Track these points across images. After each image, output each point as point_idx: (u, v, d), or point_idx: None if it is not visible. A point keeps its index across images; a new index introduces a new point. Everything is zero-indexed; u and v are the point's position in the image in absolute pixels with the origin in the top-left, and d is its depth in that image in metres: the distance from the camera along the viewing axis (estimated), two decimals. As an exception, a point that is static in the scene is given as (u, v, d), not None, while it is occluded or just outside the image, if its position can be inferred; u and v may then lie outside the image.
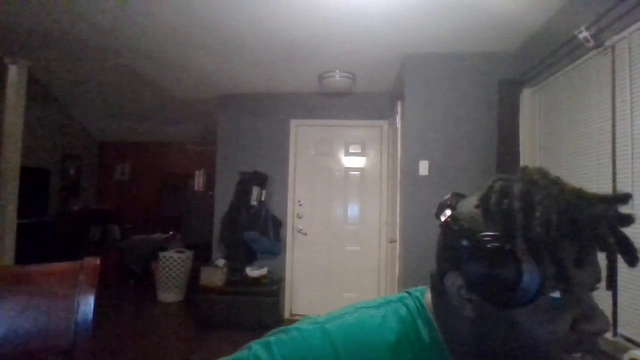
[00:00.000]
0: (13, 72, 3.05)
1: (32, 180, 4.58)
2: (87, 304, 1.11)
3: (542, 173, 0.53)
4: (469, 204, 0.56)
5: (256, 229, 4.14)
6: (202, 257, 5.02)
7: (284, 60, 3.45)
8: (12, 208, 3.00)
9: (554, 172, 0.55)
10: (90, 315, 1.11)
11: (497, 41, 2.92)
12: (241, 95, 4.47)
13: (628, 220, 0.50)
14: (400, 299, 0.62)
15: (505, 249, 0.47)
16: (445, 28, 2.74)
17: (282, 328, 0.56)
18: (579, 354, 0.49)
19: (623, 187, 1.80)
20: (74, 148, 5.98)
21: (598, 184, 1.97)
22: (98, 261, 1.16)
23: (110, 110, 5.54)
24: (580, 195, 0.51)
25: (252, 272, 4.12)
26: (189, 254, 4.98)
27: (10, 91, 3.03)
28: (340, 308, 0.60)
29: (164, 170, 6.87)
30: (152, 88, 4.38)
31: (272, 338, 0.56)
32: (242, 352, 0.56)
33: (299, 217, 4.40)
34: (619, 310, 1.82)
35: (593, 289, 0.51)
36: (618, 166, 1.84)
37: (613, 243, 0.49)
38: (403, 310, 0.59)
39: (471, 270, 0.50)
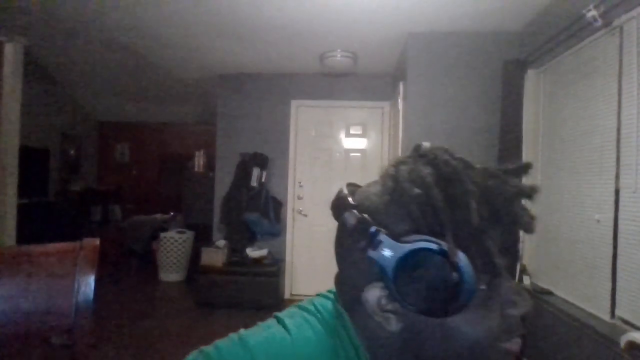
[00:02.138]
0: (9, 51, 3.00)
1: (32, 161, 4.57)
2: (87, 284, 1.11)
3: (448, 152, 0.48)
4: (370, 196, 0.49)
5: (256, 210, 4.14)
6: (203, 237, 5.04)
7: (285, 39, 3.39)
8: (12, 188, 2.99)
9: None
10: (90, 295, 1.11)
11: (502, 20, 2.86)
12: (241, 75, 4.41)
13: (535, 191, 0.47)
14: (324, 296, 0.57)
15: (438, 252, 0.42)
16: (449, 6, 2.68)
17: (202, 349, 0.49)
18: (511, 341, 0.47)
19: (627, 170, 1.79)
20: (74, 128, 5.94)
21: (601, 168, 1.96)
22: (97, 241, 1.15)
23: (110, 90, 5.49)
24: (488, 173, 0.46)
25: (252, 252, 4.15)
26: (189, 234, 5.01)
27: (7, 70, 2.98)
28: (265, 322, 0.54)
29: (164, 150, 6.86)
30: (152, 67, 4.32)
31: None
32: None
33: (299, 198, 4.40)
34: (617, 292, 1.83)
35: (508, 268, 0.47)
36: (622, 149, 1.82)
37: (527, 219, 0.46)
38: (327, 316, 0.53)
39: (401, 282, 0.43)
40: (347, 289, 0.52)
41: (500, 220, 0.45)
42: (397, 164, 0.49)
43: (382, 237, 0.44)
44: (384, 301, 0.46)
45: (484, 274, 0.43)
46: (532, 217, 0.46)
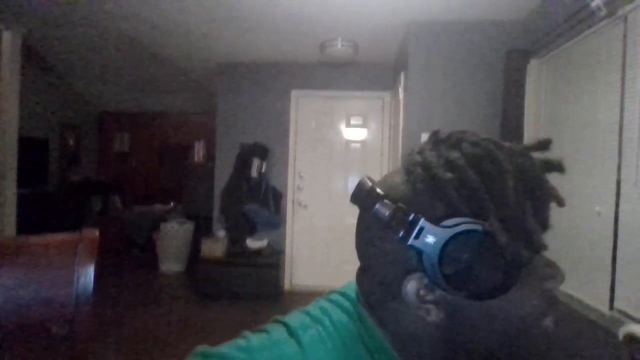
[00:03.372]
0: (7, 39, 2.97)
1: (31, 151, 4.56)
2: (87, 275, 1.11)
3: (475, 134, 0.48)
4: (397, 186, 0.47)
5: (256, 201, 4.14)
6: (203, 228, 5.05)
7: (285, 28, 3.35)
8: (11, 178, 2.99)
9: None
10: (90, 285, 1.11)
11: (505, 9, 2.83)
12: (241, 65, 4.38)
13: (563, 164, 0.48)
14: (337, 304, 0.53)
15: (483, 232, 0.41)
16: (451, -4, 2.65)
17: (205, 350, 0.46)
18: (550, 317, 0.47)
19: (629, 163, 1.78)
20: (73, 118, 5.92)
21: (603, 159, 1.95)
22: (97, 232, 1.15)
23: (109, 80, 5.46)
24: (513, 151, 0.46)
25: (252, 243, 4.16)
26: (189, 225, 5.02)
27: (6, 59, 2.96)
28: (272, 326, 0.51)
29: (164, 140, 6.84)
30: (152, 57, 4.29)
31: None
32: None
33: (299, 189, 4.40)
34: (616, 285, 1.83)
35: None
36: (624, 141, 1.81)
37: (557, 193, 0.46)
38: (344, 335, 0.49)
39: (447, 267, 0.42)
40: (378, 284, 0.50)
41: (535, 196, 0.45)
42: (421, 151, 0.49)
43: (423, 223, 0.43)
44: (422, 292, 0.45)
45: (525, 251, 0.43)
46: (557, 191, 0.47)
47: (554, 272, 0.47)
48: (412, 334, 0.48)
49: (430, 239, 0.42)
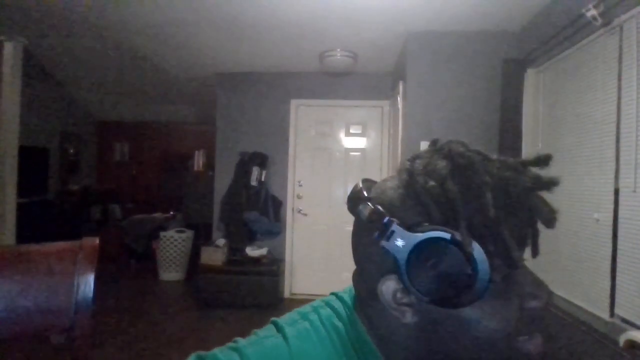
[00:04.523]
0: (9, 50, 3.00)
1: (31, 160, 4.57)
2: (87, 283, 1.11)
3: (464, 145, 0.48)
4: (386, 190, 0.49)
5: (256, 209, 4.14)
6: (203, 236, 5.04)
7: (285, 38, 3.38)
8: (11, 187, 2.99)
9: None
10: (90, 294, 1.11)
11: (502, 19, 2.86)
12: (241, 74, 4.41)
13: (554, 183, 0.46)
14: (327, 304, 0.55)
15: (451, 241, 0.42)
16: (448, 5, 2.68)
17: (199, 354, 0.47)
18: (531, 336, 0.46)
19: (627, 170, 1.79)
20: (73, 127, 5.94)
21: (601, 167, 1.96)
22: (97, 241, 1.15)
23: (109, 89, 5.49)
24: (505, 165, 0.46)
25: (252, 252, 4.15)
26: (189, 233, 5.01)
27: (7, 69, 2.98)
28: (264, 327, 0.53)
29: (163, 150, 6.86)
30: (151, 66, 4.32)
31: None
32: None
33: (299, 197, 4.40)
34: (616, 291, 1.83)
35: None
36: (621, 149, 1.82)
37: (548, 211, 0.46)
38: (330, 329, 0.51)
39: (414, 271, 0.43)
40: (363, 282, 0.52)
41: (517, 212, 0.45)
42: (413, 158, 0.50)
43: (395, 227, 0.44)
44: (399, 294, 0.46)
45: (501, 266, 0.43)
46: (553, 211, 0.46)
47: (537, 292, 0.46)
48: (390, 334, 0.50)
49: (400, 243, 0.44)
